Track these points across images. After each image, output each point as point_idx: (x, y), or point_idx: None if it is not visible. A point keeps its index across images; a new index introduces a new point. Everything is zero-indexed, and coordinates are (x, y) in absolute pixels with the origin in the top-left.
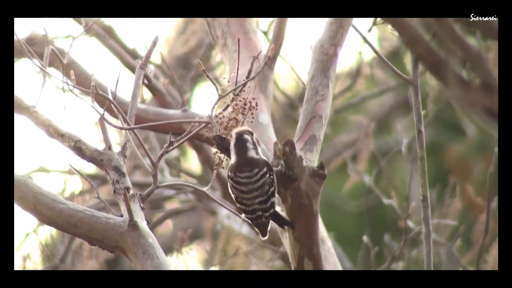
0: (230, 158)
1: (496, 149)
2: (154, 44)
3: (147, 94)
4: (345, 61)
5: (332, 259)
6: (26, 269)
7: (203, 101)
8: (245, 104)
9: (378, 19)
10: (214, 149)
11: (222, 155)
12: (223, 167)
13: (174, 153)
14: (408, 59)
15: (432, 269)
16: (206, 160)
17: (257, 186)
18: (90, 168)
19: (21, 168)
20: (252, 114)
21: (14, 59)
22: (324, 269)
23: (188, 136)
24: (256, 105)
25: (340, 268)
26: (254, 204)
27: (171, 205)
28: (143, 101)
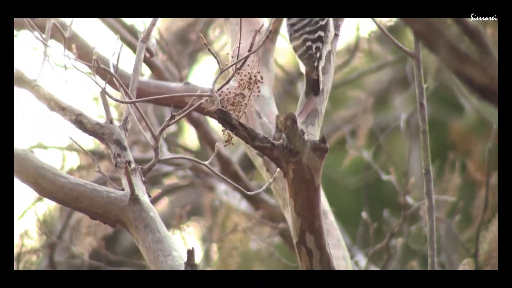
0: (233, 132)
1: (494, 126)
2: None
3: (145, 70)
4: (343, 36)
5: (334, 232)
6: (25, 246)
7: (202, 76)
8: (250, 79)
9: None
10: (221, 127)
11: (231, 132)
12: (233, 143)
13: (172, 128)
14: (405, 35)
15: (435, 243)
16: (204, 136)
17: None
18: (89, 144)
19: (19, 143)
20: (258, 87)
21: (15, 32)
22: (326, 242)
23: (190, 109)
24: (261, 79)
25: (342, 241)
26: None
27: (169, 182)
28: (142, 76)
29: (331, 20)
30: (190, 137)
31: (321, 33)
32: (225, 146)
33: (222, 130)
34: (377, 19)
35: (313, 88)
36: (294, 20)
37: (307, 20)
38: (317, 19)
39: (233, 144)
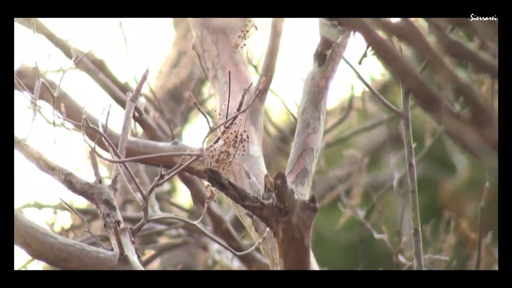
0: (222, 191)
1: (487, 184)
2: (145, 76)
3: (137, 128)
4: (336, 94)
5: None
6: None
7: (195, 135)
8: (236, 137)
9: (368, 51)
10: (205, 183)
11: (214, 189)
12: (215, 201)
13: (165, 187)
14: (399, 93)
15: None
16: (196, 195)
17: None
18: (80, 203)
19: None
20: (243, 146)
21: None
22: None
23: (179, 169)
24: (247, 138)
25: None
26: None
27: (161, 241)
28: (135, 135)
29: None
30: (183, 195)
31: None
32: (207, 202)
33: (206, 187)
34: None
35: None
36: None
37: None
38: None
39: (215, 201)
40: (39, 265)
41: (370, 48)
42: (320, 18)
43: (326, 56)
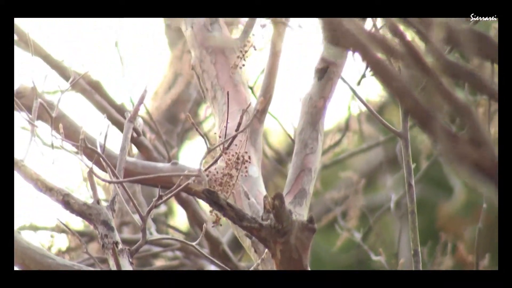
0: (221, 212)
1: (484, 205)
2: (143, 96)
3: (133, 149)
4: (333, 115)
5: None
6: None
7: (191, 156)
8: (238, 158)
9: (367, 71)
10: (209, 208)
11: (218, 213)
12: (221, 224)
13: (161, 209)
14: (395, 114)
15: None
16: (193, 216)
17: None
18: (77, 225)
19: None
20: (245, 168)
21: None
22: None
23: (177, 189)
24: (249, 159)
25: None
26: None
27: (158, 263)
28: (131, 156)
29: None
30: (180, 217)
31: None
32: (213, 227)
33: (210, 211)
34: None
35: None
36: None
37: None
38: None
39: (221, 225)
40: None
41: (368, 69)
42: (324, 41)
43: (326, 69)
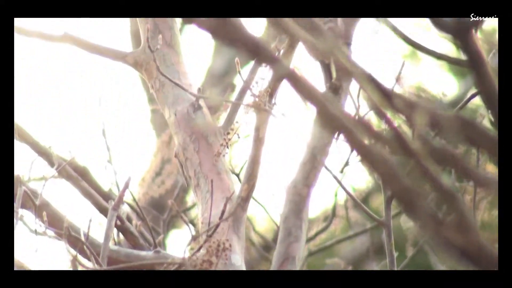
0: None
1: None
2: (127, 185)
3: (120, 235)
4: (320, 202)
5: None
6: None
7: (178, 243)
8: (218, 246)
9: (350, 158)
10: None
11: None
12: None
13: None
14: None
15: None
16: None
17: None
18: None
19: None
20: (226, 255)
21: None
22: None
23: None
24: (230, 246)
25: None
26: None
27: None
28: (117, 243)
29: None
30: None
31: None
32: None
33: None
34: (352, 186)
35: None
36: None
37: None
38: None
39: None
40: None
41: (353, 155)
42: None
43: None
